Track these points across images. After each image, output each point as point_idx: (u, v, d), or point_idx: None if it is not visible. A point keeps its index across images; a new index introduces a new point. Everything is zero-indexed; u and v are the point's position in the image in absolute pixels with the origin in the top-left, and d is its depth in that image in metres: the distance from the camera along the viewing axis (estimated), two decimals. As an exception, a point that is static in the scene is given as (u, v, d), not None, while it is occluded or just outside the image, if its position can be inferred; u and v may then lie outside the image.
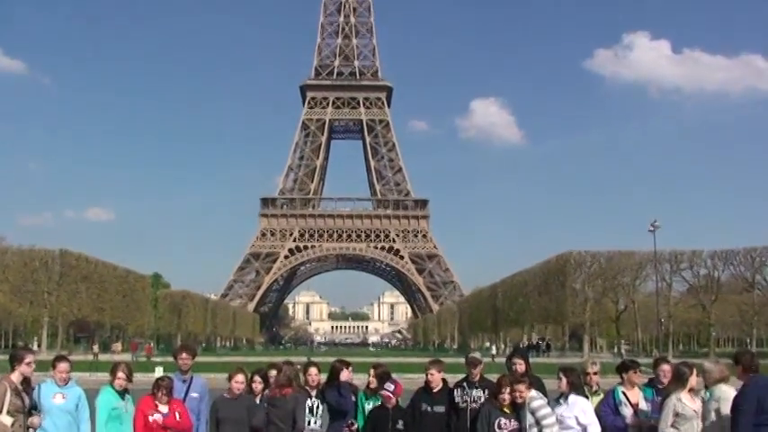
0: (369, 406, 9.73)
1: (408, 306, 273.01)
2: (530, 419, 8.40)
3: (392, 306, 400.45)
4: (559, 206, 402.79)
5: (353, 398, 9.87)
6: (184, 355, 9.94)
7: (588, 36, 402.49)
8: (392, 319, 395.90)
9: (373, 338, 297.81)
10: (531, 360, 10.01)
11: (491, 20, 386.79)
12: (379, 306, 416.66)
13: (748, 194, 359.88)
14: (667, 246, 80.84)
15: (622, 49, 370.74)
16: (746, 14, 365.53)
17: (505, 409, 8.50)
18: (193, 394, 9.67)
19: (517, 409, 8.49)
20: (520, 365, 9.31)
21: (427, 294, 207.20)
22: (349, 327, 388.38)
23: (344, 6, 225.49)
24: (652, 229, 68.55)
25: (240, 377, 9.71)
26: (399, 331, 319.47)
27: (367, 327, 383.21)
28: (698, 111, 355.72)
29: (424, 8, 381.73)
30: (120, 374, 9.00)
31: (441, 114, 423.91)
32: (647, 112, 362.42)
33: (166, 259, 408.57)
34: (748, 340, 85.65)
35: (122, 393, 9.04)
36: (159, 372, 21.11)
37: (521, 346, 75.60)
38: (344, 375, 9.91)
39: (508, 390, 8.50)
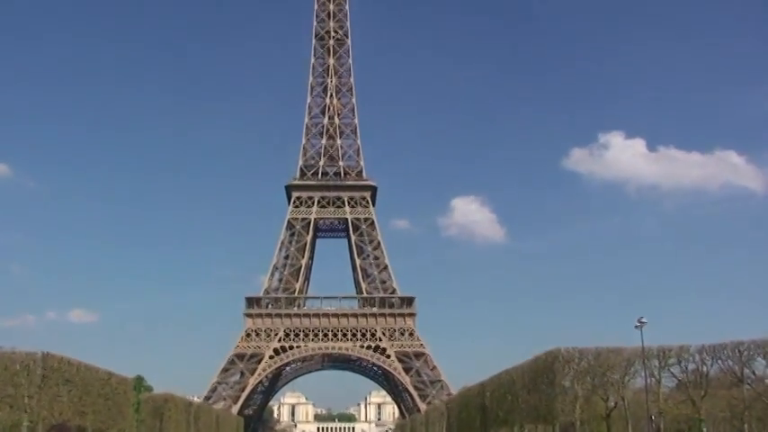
0: None
1: (395, 406, 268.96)
2: None
3: (379, 406, 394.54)
4: (545, 303, 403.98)
5: None
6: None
7: (564, 136, 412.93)
8: (379, 419, 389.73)
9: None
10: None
11: (469, 119, 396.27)
12: (365, 406, 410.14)
13: (733, 288, 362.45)
14: (655, 341, 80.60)
15: (598, 147, 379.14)
16: (718, 111, 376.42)
17: None
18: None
19: None
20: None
21: (414, 394, 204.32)
22: (336, 428, 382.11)
23: (329, 108, 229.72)
24: (639, 325, 68.59)
25: None
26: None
27: (354, 428, 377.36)
28: (677, 207, 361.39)
29: (404, 109, 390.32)
30: None
31: (422, 213, 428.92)
32: (627, 209, 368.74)
33: (150, 360, 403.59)
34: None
35: None
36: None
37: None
38: None
39: None
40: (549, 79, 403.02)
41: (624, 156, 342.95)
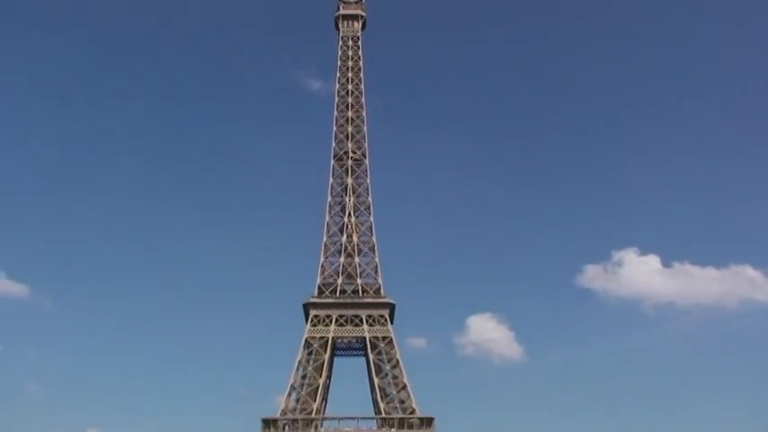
0: None
1: None
2: None
3: None
4: (567, 422, 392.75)
5: None
6: None
7: (577, 252, 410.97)
8: None
9: None
10: None
11: (483, 236, 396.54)
12: None
13: (759, 405, 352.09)
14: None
15: (612, 265, 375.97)
16: (731, 225, 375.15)
17: None
18: None
19: None
20: None
21: None
22: None
23: (347, 227, 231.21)
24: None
25: None
26: None
27: None
28: (695, 324, 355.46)
29: (421, 227, 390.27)
30: None
31: (438, 331, 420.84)
32: (644, 326, 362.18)
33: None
34: None
35: None
36: None
37: None
38: None
39: None
40: (560, 196, 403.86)
41: (639, 272, 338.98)
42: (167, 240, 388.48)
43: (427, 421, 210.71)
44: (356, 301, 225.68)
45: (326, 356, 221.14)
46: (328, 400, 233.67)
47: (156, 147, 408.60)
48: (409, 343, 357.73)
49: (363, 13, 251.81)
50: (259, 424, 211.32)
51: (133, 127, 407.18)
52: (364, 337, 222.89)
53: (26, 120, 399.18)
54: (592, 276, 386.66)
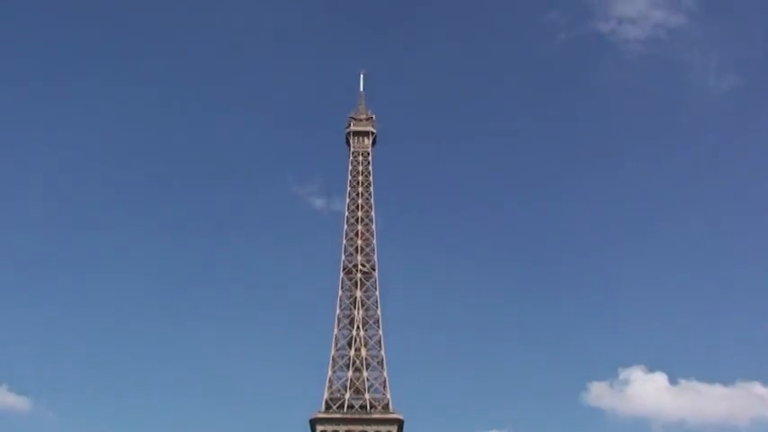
0: None
1: None
2: None
3: None
4: None
5: None
6: None
7: (583, 370, 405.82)
8: None
9: None
10: None
11: (489, 352, 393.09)
12: None
13: None
14: None
15: (618, 383, 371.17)
16: (737, 343, 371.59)
17: None
18: None
19: None
20: None
21: None
22: None
23: (355, 340, 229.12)
24: None
25: None
26: None
27: None
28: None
29: (428, 342, 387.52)
30: None
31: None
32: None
33: None
34: None
35: None
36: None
37: None
38: None
39: None
40: (565, 315, 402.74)
41: (646, 391, 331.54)
42: (173, 355, 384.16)
43: None
44: (364, 416, 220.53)
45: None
46: None
47: (158, 266, 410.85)
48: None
49: (374, 130, 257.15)
50: None
51: (137, 250, 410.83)
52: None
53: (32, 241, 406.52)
54: (598, 394, 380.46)
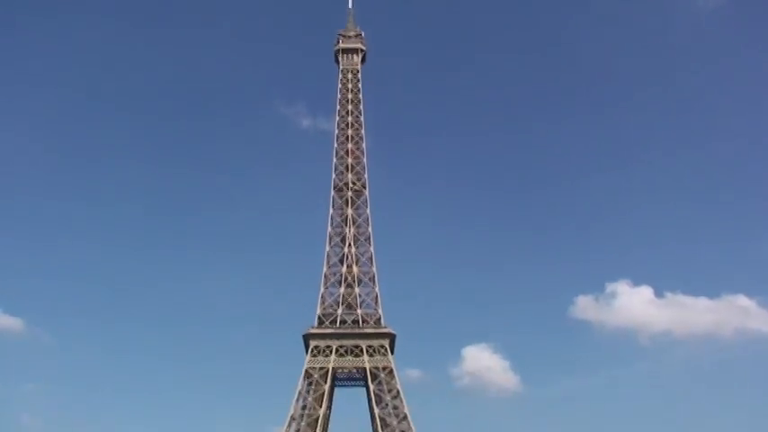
0: None
1: None
2: None
3: None
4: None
5: None
6: None
7: (570, 284, 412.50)
8: None
9: None
10: None
11: (478, 268, 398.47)
12: None
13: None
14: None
15: (605, 297, 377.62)
16: (722, 256, 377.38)
17: None
18: None
19: None
20: None
21: None
22: None
23: (347, 257, 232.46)
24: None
25: None
26: None
27: None
28: (692, 353, 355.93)
29: (417, 258, 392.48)
30: None
31: (433, 362, 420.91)
32: (641, 356, 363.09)
33: None
34: None
35: None
36: None
37: None
38: None
39: None
40: (552, 230, 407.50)
41: (633, 303, 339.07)
42: (166, 275, 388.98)
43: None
44: (356, 331, 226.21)
45: (326, 387, 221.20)
46: (328, 431, 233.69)
47: (150, 188, 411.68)
48: (406, 374, 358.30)
49: (363, 47, 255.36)
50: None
51: (127, 174, 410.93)
52: (365, 368, 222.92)
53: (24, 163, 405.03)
54: (585, 308, 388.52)
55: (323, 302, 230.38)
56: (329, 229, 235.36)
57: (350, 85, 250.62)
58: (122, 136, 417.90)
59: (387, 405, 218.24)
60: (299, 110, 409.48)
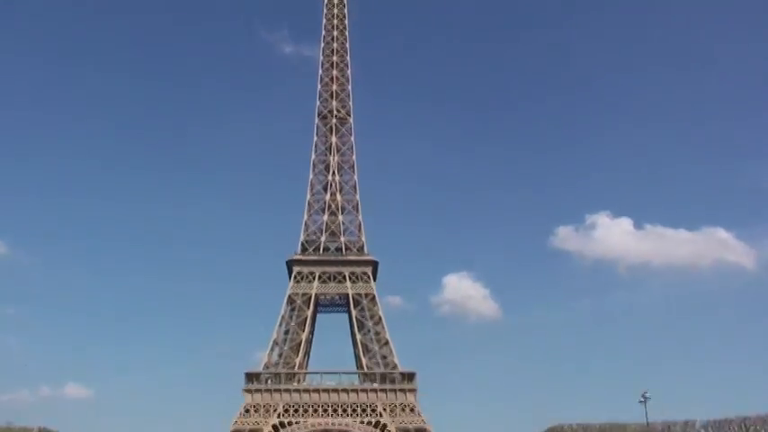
0: None
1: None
2: None
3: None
4: (545, 378, 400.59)
5: None
6: None
7: (550, 215, 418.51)
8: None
9: None
10: None
11: (460, 198, 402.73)
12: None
13: (733, 363, 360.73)
14: (659, 417, 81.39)
15: (585, 227, 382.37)
16: (701, 189, 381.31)
17: None
18: None
19: None
20: None
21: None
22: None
23: (331, 185, 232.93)
24: (642, 399, 69.42)
25: None
26: None
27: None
28: (669, 284, 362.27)
29: (402, 187, 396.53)
30: None
31: (415, 290, 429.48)
32: (619, 285, 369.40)
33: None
34: None
35: None
36: None
37: None
38: None
39: None
40: (533, 161, 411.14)
41: (612, 234, 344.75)
42: (151, 199, 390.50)
43: (409, 376, 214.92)
44: (340, 258, 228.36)
45: (309, 312, 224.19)
46: (311, 355, 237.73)
47: (136, 106, 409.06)
48: (387, 301, 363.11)
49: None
50: (242, 378, 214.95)
51: (112, 95, 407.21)
52: (347, 294, 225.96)
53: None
54: (565, 238, 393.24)
55: (306, 230, 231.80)
56: (313, 156, 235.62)
57: (335, 11, 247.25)
58: (108, 49, 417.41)
59: (369, 331, 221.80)
60: (281, 36, 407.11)
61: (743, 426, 75.00)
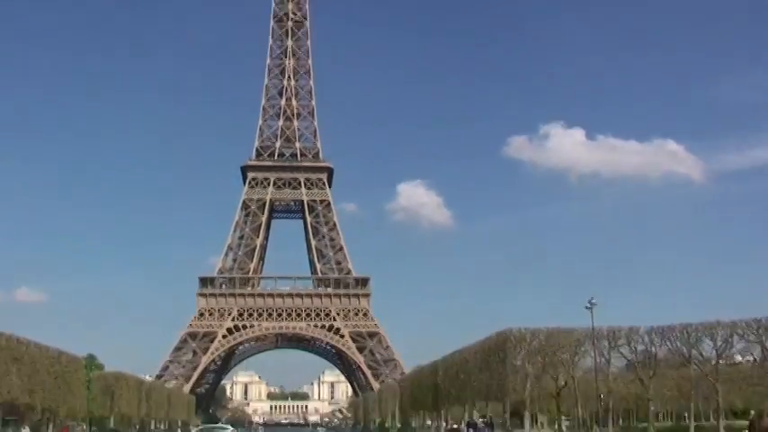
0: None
1: (349, 385, 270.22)
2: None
3: (332, 385, 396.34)
4: (497, 284, 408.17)
5: None
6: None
7: (504, 125, 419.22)
8: (332, 398, 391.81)
9: (313, 418, 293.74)
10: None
11: (415, 106, 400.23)
12: (319, 385, 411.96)
13: (679, 273, 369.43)
14: (605, 323, 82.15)
15: (538, 138, 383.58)
16: (653, 101, 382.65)
17: None
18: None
19: None
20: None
21: (368, 373, 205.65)
22: (289, 407, 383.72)
23: (286, 90, 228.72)
24: (589, 306, 69.67)
25: None
26: (340, 410, 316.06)
27: (307, 406, 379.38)
28: (619, 195, 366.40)
29: (355, 94, 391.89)
30: None
31: (369, 197, 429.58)
32: (569, 195, 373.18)
33: (100, 340, 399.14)
34: (686, 414, 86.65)
35: None
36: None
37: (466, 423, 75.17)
38: None
39: None
40: (487, 70, 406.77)
41: (564, 145, 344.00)
42: (98, 91, 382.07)
43: (362, 282, 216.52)
44: (294, 164, 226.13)
45: (264, 218, 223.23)
46: (265, 261, 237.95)
47: (85, 33, 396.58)
48: (341, 208, 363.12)
49: None
50: (196, 283, 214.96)
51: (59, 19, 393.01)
52: (302, 200, 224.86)
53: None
54: (518, 148, 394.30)
55: (261, 135, 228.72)
56: (268, 60, 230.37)
57: None
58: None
59: (323, 237, 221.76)
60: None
61: (685, 332, 75.61)
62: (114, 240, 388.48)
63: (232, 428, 77.31)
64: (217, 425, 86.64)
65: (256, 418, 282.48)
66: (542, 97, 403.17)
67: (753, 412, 79.64)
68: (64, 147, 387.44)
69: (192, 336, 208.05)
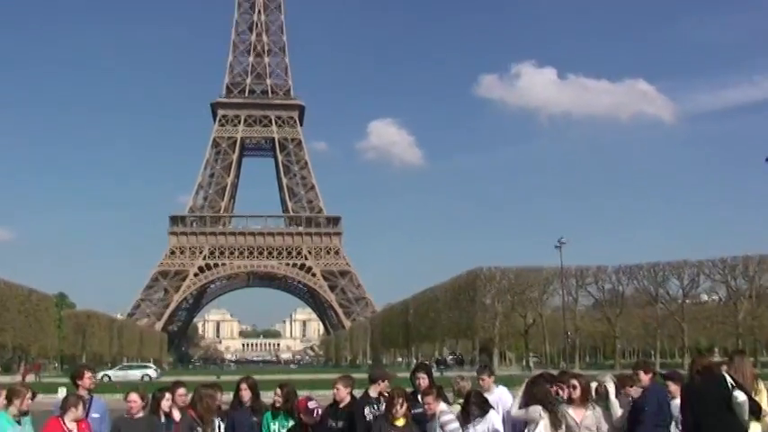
0: (275, 426, 9.52)
1: (320, 323, 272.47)
2: (438, 432, 8.54)
3: (304, 323, 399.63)
4: (466, 223, 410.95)
5: (254, 417, 9.63)
6: (89, 374, 9.64)
7: (475, 63, 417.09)
8: (304, 336, 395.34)
9: (285, 356, 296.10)
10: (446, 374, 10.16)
11: (386, 44, 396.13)
12: (291, 323, 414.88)
13: (647, 213, 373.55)
14: (573, 262, 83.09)
15: (510, 77, 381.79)
16: (625, 41, 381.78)
17: (397, 423, 8.40)
18: (94, 415, 9.19)
19: (412, 423, 8.51)
20: (423, 380, 9.39)
21: (339, 311, 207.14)
22: (260, 344, 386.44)
23: (257, 25, 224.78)
24: (558, 245, 70.44)
25: (133, 396, 9.19)
26: (312, 348, 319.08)
27: (279, 344, 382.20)
28: (589, 134, 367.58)
29: (325, 31, 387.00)
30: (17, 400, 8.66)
31: (340, 136, 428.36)
32: (539, 134, 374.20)
33: (71, 278, 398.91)
34: (652, 352, 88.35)
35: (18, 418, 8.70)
36: (63, 392, 20.53)
37: (429, 360, 76.09)
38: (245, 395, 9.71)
39: (400, 402, 8.45)
40: (460, 10, 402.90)
41: (535, 84, 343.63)
42: (72, 31, 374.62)
43: (334, 220, 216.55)
44: (265, 101, 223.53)
45: (235, 156, 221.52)
46: (236, 199, 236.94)
47: None
48: (313, 146, 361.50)
49: None
50: (167, 222, 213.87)
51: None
52: (273, 138, 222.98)
53: None
54: (489, 87, 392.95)
55: (231, 71, 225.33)
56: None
57: None
58: None
59: (295, 175, 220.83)
60: None
61: (652, 271, 76.97)
62: (84, 178, 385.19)
63: (154, 367, 78.00)
64: (139, 364, 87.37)
65: (228, 356, 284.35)
66: (514, 36, 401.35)
67: (716, 350, 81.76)
68: (33, 85, 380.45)
69: (164, 274, 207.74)
